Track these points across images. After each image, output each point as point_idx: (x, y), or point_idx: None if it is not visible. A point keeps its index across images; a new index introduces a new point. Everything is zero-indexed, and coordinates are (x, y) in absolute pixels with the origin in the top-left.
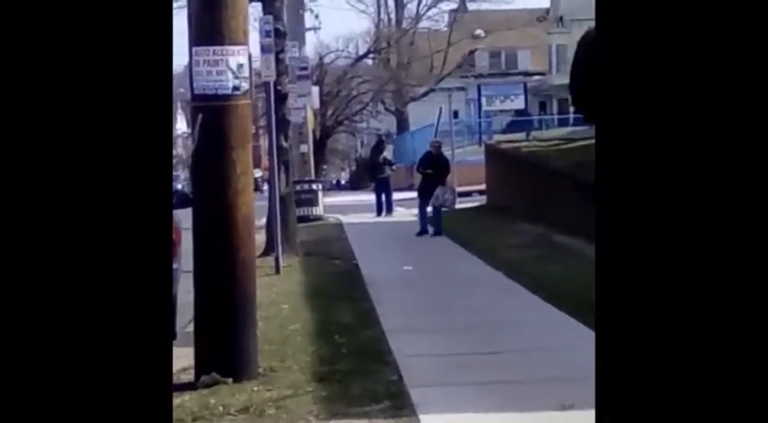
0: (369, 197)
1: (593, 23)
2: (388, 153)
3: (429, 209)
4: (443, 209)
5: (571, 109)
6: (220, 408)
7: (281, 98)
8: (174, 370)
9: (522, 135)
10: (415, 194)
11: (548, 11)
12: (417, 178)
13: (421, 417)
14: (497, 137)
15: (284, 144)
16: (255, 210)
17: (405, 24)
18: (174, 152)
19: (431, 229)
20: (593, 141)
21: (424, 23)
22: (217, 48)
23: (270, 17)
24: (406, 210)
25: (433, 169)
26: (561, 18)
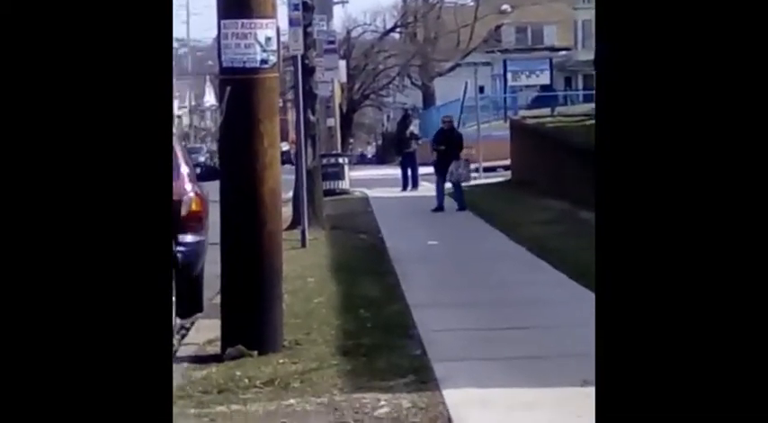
0: (395, 171)
1: None
2: (414, 128)
3: (448, 185)
4: (462, 184)
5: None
6: (246, 380)
7: (309, 72)
8: (201, 341)
9: (547, 111)
10: None
11: None
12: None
13: (444, 391)
14: (523, 112)
15: (311, 118)
16: (282, 183)
17: None
18: (203, 125)
19: (455, 205)
20: None
21: None
22: (245, 21)
23: None
24: (431, 184)
25: (446, 145)
26: None
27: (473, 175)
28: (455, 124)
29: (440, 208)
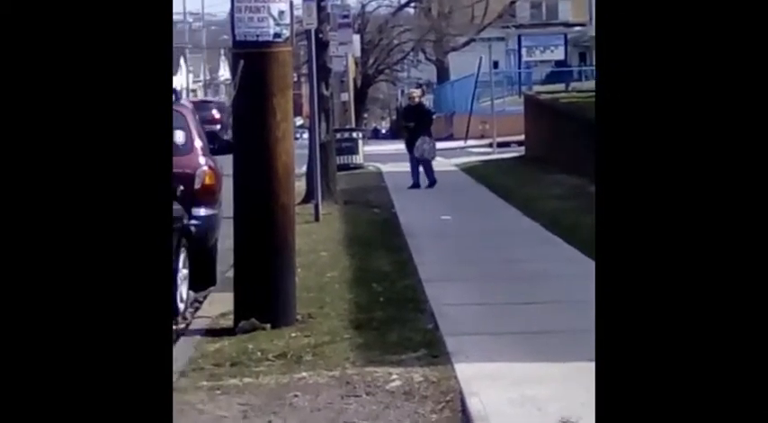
0: None
1: None
2: (427, 103)
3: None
4: (427, 159)
5: None
6: (258, 353)
7: (323, 46)
8: (214, 315)
9: (561, 86)
10: (454, 144)
11: None
12: (457, 127)
13: (456, 365)
14: (537, 88)
15: (325, 92)
16: (297, 157)
17: None
18: (217, 99)
19: (424, 182)
20: None
21: None
22: None
23: None
24: (445, 159)
25: (415, 121)
26: None
27: (487, 149)
28: (424, 99)
29: (415, 185)
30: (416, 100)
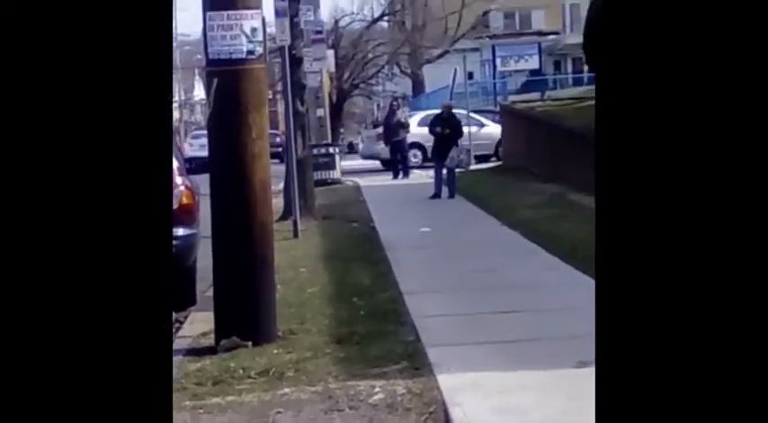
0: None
1: None
2: (402, 115)
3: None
4: (458, 170)
5: (585, 68)
6: (240, 371)
7: (297, 62)
8: (195, 334)
9: (537, 95)
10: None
11: None
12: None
13: (438, 376)
14: (512, 97)
15: (300, 108)
16: (273, 174)
17: None
18: (193, 119)
19: (445, 192)
20: None
21: None
22: (231, 12)
23: None
24: (423, 171)
25: (449, 130)
26: None
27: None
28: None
29: (437, 195)
30: (450, 110)
